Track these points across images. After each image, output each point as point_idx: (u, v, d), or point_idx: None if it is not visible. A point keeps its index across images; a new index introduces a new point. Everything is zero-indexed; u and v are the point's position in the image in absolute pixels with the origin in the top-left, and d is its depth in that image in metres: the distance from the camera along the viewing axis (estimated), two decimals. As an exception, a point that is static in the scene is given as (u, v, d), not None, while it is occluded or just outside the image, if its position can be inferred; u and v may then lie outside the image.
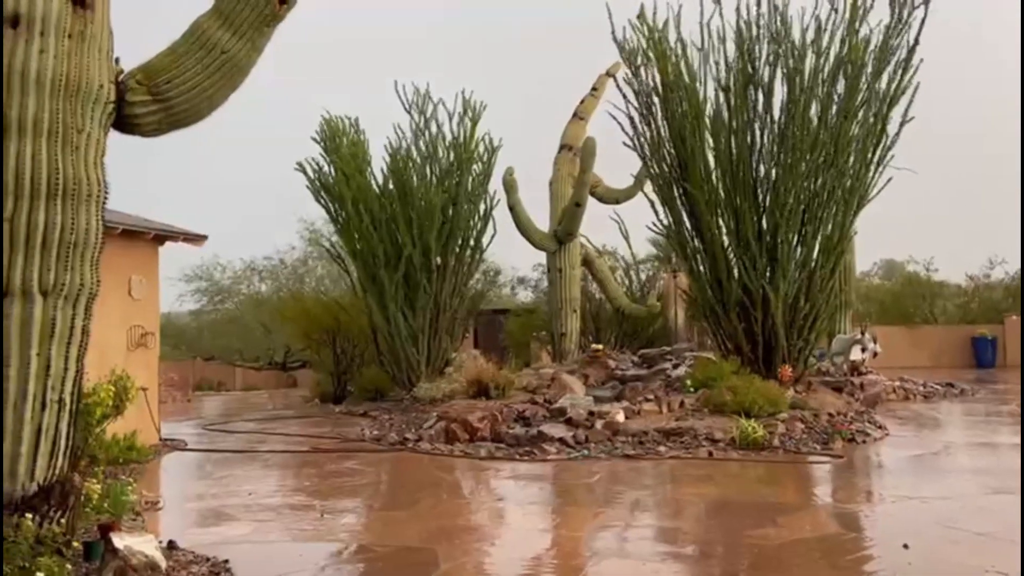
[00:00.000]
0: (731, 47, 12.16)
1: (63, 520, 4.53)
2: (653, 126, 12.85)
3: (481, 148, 16.17)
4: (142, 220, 10.51)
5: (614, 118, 13.21)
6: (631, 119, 13.05)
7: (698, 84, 12.42)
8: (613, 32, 13.05)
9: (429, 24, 56.32)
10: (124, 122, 4.87)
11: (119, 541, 4.40)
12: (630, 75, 13.06)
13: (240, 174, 50.07)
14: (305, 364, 25.13)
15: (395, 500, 7.36)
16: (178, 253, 11.47)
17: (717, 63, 12.26)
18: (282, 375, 28.45)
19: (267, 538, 5.88)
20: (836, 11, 11.85)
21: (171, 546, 5.16)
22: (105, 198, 4.72)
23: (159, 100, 4.84)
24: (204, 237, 11.26)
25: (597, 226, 20.96)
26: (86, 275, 4.63)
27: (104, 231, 4.78)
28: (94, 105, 4.63)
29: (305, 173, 15.93)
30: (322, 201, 16.02)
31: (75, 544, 4.54)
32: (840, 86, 11.85)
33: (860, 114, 11.90)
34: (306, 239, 29.36)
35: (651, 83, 12.78)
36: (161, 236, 10.63)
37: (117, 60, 4.87)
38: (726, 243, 12.29)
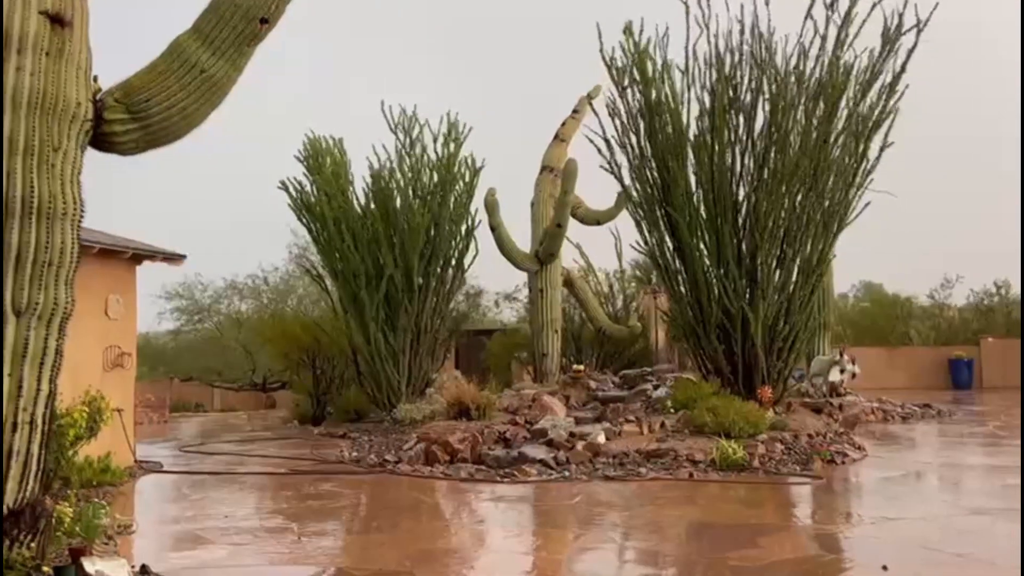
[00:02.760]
0: (714, 71, 12.29)
1: (33, 544, 4.44)
2: (636, 147, 12.94)
3: (463, 168, 16.24)
4: (120, 239, 10.41)
5: (591, 142, 13.32)
6: (607, 142, 13.14)
7: (681, 106, 12.54)
8: (602, 50, 13.15)
9: (410, 41, 56.60)
10: (101, 140, 4.83)
11: (90, 566, 4.33)
12: (615, 95, 13.16)
13: (226, 191, 49.76)
14: (285, 385, 24.91)
15: (374, 523, 7.28)
16: (159, 270, 11.34)
17: (703, 87, 12.38)
18: (261, 396, 28.17)
19: (243, 562, 5.79)
20: (823, 38, 12.00)
21: (144, 571, 5.07)
22: (81, 216, 4.67)
23: (137, 119, 4.81)
24: (183, 257, 11.17)
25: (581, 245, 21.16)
26: (60, 294, 4.57)
27: (80, 250, 4.73)
28: (71, 123, 4.60)
29: (288, 192, 15.90)
30: (304, 220, 15.98)
31: (45, 569, 4.45)
32: (821, 111, 11.99)
33: (841, 138, 12.04)
34: (293, 255, 29.20)
35: (636, 104, 12.90)
36: (139, 255, 10.53)
37: (95, 78, 4.85)
38: (707, 265, 12.36)
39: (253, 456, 11.63)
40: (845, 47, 11.98)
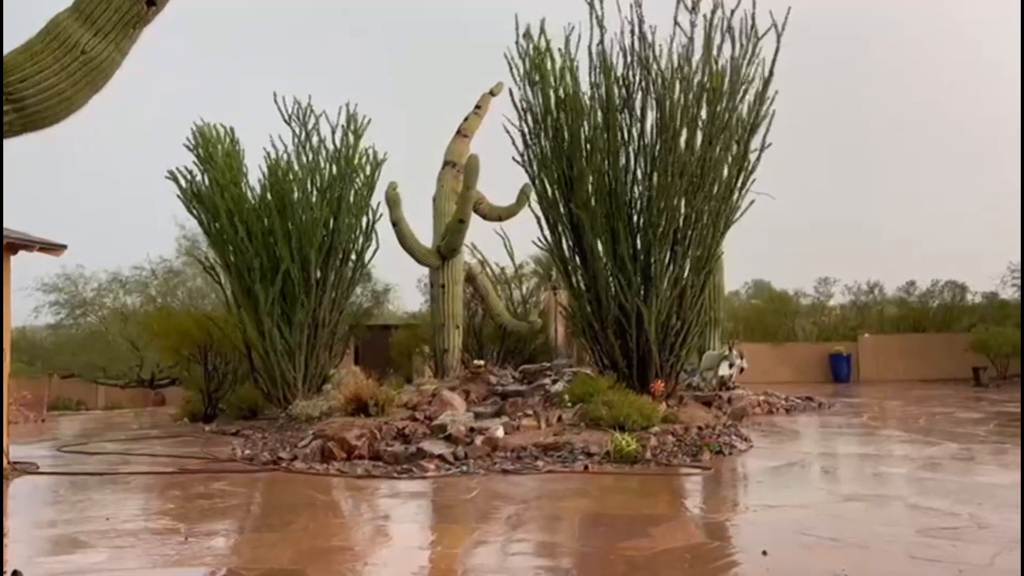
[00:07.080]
0: (602, 73, 12.53)
1: None
2: (541, 145, 13.08)
3: (365, 161, 16.03)
4: (-8, 227, 9.78)
5: (508, 132, 13.38)
6: (523, 134, 13.25)
7: (581, 106, 12.74)
8: (517, 43, 13.18)
9: (310, 28, 55.39)
10: (-29, 122, 4.53)
11: (-46, 574, 4.06)
12: (521, 94, 13.27)
13: (111, 181, 47.49)
14: (175, 381, 24.04)
15: (266, 521, 7.11)
16: (35, 262, 10.74)
17: (597, 86, 12.61)
18: (149, 393, 27.10)
19: (125, 565, 5.55)
20: (692, 41, 12.41)
21: (16, 577, 4.81)
22: (-53, 203, 4.37)
23: (11, 100, 4.53)
24: (63, 247, 10.59)
25: (480, 242, 21.23)
26: (-78, 285, 4.27)
27: (-55, 238, 4.43)
28: (-64, 102, 4.30)
29: (177, 182, 15.30)
30: (195, 212, 15.43)
31: (-97, 579, 4.16)
32: (704, 112, 12.41)
33: (723, 140, 12.48)
34: (183, 249, 28.11)
35: (540, 103, 13.03)
36: (14, 244, 9.93)
37: (-36, 55, 4.54)
38: (604, 262, 12.61)
39: (139, 455, 11.17)
40: (716, 51, 12.43)
